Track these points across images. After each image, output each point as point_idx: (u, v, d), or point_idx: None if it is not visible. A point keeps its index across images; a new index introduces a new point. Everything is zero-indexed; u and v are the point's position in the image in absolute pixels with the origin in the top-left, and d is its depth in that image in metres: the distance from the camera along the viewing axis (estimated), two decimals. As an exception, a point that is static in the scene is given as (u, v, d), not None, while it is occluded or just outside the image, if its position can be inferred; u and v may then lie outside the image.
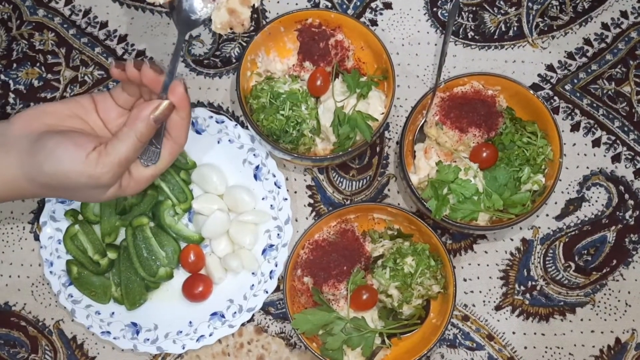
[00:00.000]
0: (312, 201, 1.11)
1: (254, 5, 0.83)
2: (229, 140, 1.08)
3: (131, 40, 1.15)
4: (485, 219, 1.01)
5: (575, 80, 1.14)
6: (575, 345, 1.06)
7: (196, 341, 1.02)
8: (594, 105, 1.13)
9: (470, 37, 1.16)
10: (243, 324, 1.05)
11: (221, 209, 1.05)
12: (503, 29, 1.16)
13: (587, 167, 1.11)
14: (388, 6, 1.17)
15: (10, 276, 1.08)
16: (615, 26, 1.16)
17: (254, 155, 1.08)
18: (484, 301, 1.07)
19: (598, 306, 1.07)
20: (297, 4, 1.16)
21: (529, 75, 1.14)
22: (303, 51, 1.06)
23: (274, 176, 1.07)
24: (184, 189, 1.06)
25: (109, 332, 1.02)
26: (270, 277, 1.04)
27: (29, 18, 1.16)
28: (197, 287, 1.03)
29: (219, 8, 0.83)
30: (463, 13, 1.16)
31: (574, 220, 1.10)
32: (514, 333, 1.06)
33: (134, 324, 1.03)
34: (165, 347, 1.02)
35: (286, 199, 1.06)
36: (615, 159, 1.11)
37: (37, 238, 1.09)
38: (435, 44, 1.15)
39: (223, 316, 1.04)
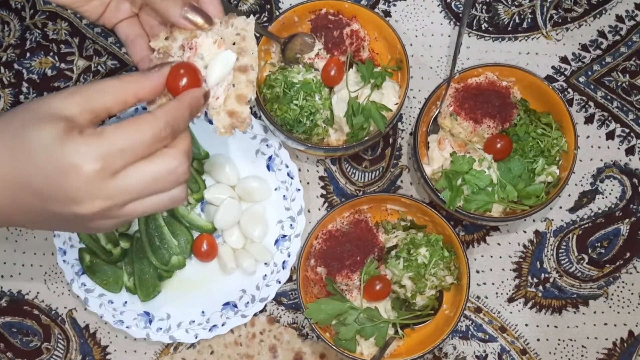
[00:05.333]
0: (324, 192, 1.11)
1: (250, 99, 0.81)
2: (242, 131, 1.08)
3: (144, 30, 1.15)
4: (499, 211, 1.01)
5: (590, 73, 1.14)
6: (588, 337, 1.05)
7: (209, 331, 1.03)
8: (608, 97, 1.13)
9: (483, 28, 1.15)
10: (255, 314, 1.05)
11: (232, 197, 1.05)
12: (517, 20, 1.16)
13: (601, 160, 1.11)
14: (401, -3, 1.17)
15: (23, 265, 1.08)
16: (629, 18, 1.16)
17: (267, 145, 1.08)
18: (496, 293, 1.07)
19: (611, 299, 1.06)
20: (310, -5, 1.16)
21: (542, 67, 1.14)
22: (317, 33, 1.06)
23: (287, 167, 1.07)
24: (197, 179, 1.06)
25: (121, 321, 1.02)
26: (283, 268, 1.04)
27: (43, 7, 1.16)
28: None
29: (218, 112, 0.78)
30: (477, 4, 1.16)
31: (588, 212, 1.09)
32: (526, 325, 1.06)
33: (147, 313, 1.03)
34: (178, 336, 1.02)
35: (299, 190, 1.06)
36: (629, 151, 1.11)
37: (50, 227, 1.09)
38: (449, 36, 1.15)
39: (235, 306, 1.04)
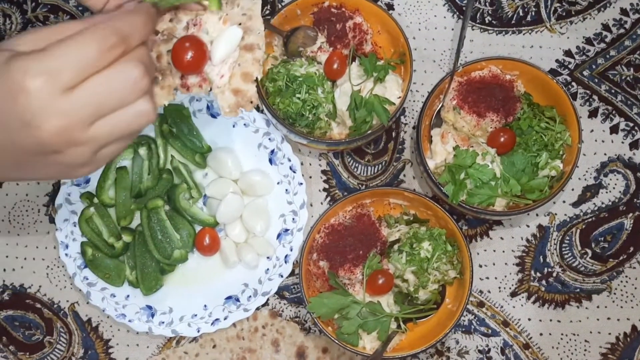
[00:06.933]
0: (327, 186, 1.10)
1: (256, 78, 0.79)
2: (244, 124, 1.08)
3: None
4: (502, 205, 1.00)
5: (594, 66, 1.13)
6: (591, 332, 1.05)
7: (211, 325, 1.02)
8: (612, 91, 1.12)
9: (487, 22, 1.14)
10: (258, 308, 1.05)
11: (234, 192, 1.05)
12: (521, 14, 1.15)
13: (605, 154, 1.10)
14: (405, -10, 1.16)
15: (25, 258, 1.08)
16: (634, 12, 1.15)
17: (269, 139, 1.07)
18: (499, 287, 1.07)
19: (614, 293, 1.06)
20: (313, -12, 1.16)
21: (546, 61, 1.13)
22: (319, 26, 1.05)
23: (289, 160, 1.06)
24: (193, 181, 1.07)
25: (124, 315, 1.02)
26: (285, 262, 1.04)
27: (44, 0, 1.15)
28: None
29: (222, 91, 0.77)
30: (480, -3, 1.15)
31: (591, 207, 1.09)
32: (529, 320, 1.06)
33: (149, 307, 1.03)
34: (180, 330, 1.02)
35: (301, 184, 1.06)
36: (633, 145, 1.10)
37: (52, 221, 1.09)
38: (452, 29, 1.14)
39: (238, 300, 1.04)
